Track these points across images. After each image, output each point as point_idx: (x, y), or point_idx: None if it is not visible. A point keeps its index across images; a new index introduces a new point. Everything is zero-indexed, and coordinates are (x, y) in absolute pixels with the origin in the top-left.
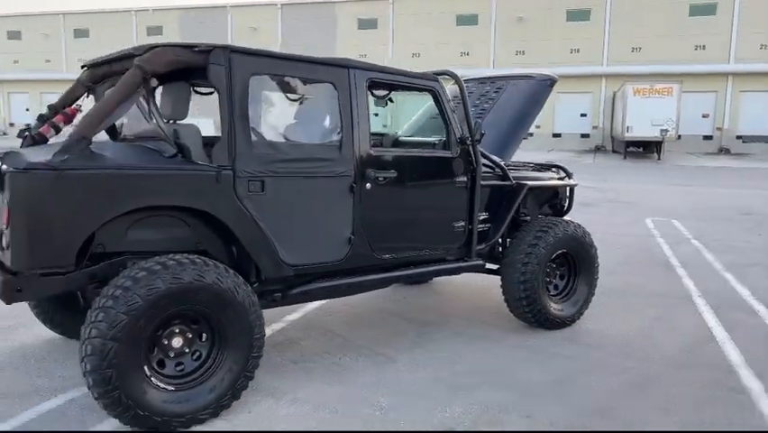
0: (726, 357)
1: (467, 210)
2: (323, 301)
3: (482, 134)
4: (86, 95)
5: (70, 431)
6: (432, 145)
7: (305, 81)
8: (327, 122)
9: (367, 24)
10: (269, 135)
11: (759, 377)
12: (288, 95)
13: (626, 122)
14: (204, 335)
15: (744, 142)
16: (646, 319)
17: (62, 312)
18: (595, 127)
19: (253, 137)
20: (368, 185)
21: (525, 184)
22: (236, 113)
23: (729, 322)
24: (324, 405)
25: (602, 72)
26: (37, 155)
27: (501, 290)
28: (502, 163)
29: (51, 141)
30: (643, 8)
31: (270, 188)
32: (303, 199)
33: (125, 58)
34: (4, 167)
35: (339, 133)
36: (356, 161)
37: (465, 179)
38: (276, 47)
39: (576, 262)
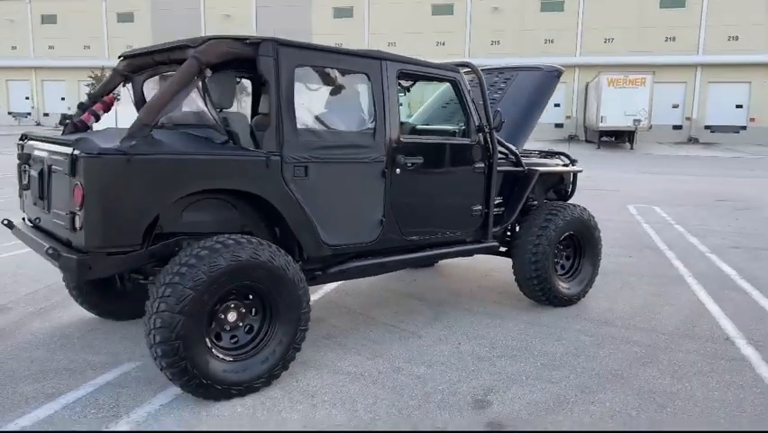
0: (722, 330)
1: (484, 194)
2: (338, 283)
3: (502, 122)
4: (122, 84)
5: (86, 431)
6: (451, 133)
7: (342, 72)
8: (362, 110)
9: (342, 13)
10: (312, 123)
11: (754, 347)
12: (328, 85)
13: (601, 112)
14: (255, 309)
15: (711, 131)
16: (645, 297)
17: (99, 294)
18: (568, 117)
19: (298, 125)
20: (397, 170)
21: (537, 170)
22: (283, 102)
23: (720, 299)
24: (363, 374)
25: (575, 63)
26: (104, 141)
27: (512, 270)
28: (516, 150)
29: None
30: (610, 1)
31: (313, 172)
32: (341, 183)
33: (175, 49)
34: (76, 152)
35: (373, 121)
36: (387, 148)
37: (483, 165)
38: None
39: (582, 244)
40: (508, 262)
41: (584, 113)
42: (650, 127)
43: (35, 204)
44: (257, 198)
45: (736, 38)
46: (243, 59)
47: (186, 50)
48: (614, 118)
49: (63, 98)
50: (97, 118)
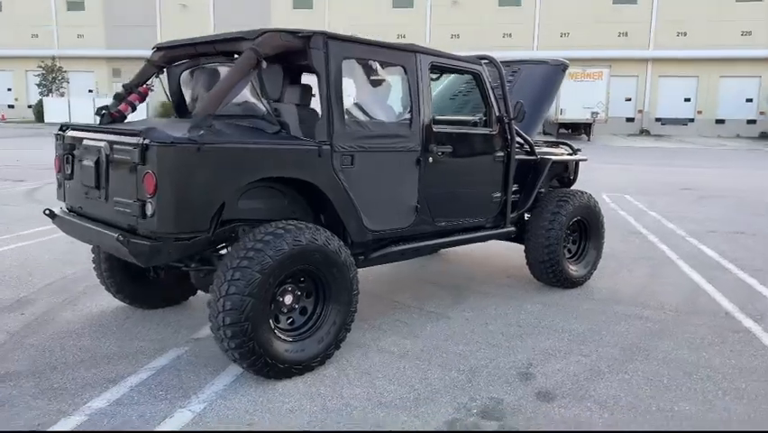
0: (720, 306)
1: (503, 182)
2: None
3: (524, 113)
4: (155, 75)
5: (135, 431)
6: (473, 123)
7: (382, 64)
8: (400, 101)
9: (302, 4)
10: (357, 114)
11: (753, 320)
12: (369, 77)
13: (560, 104)
14: (308, 292)
15: (662, 124)
16: (643, 278)
17: (133, 282)
18: None
19: (345, 116)
20: (430, 159)
21: (550, 159)
22: (333, 93)
23: (711, 278)
24: (407, 353)
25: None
26: (172, 130)
27: (525, 254)
28: (530, 140)
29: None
30: None
31: (358, 161)
32: (381, 172)
33: (227, 41)
34: (147, 141)
35: (409, 111)
36: (422, 137)
37: (502, 153)
38: (209, 26)
39: (588, 229)
40: (504, 247)
41: None
42: (607, 120)
43: (86, 193)
44: (306, 186)
45: (685, 33)
46: (294, 52)
47: (240, 42)
48: (573, 111)
49: (9, 89)
50: (134, 108)
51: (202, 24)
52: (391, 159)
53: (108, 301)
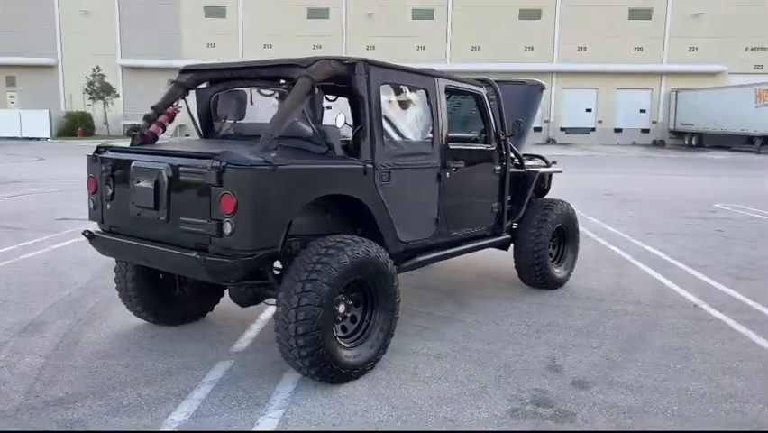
0: (686, 298)
1: (500, 193)
2: None
3: (522, 131)
4: (182, 96)
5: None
6: (473, 140)
7: (410, 88)
8: (423, 122)
9: (214, 12)
10: (392, 134)
11: (718, 310)
12: (400, 99)
13: None
14: (356, 301)
15: (566, 133)
16: (611, 276)
17: (157, 301)
18: None
19: (384, 136)
20: (447, 174)
21: (537, 171)
22: (374, 116)
23: (667, 274)
24: (441, 354)
25: (448, 69)
26: (243, 152)
27: (515, 259)
28: (520, 154)
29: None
30: (479, 10)
31: (393, 178)
32: (410, 187)
33: (275, 66)
34: (224, 164)
35: (431, 131)
36: (441, 154)
37: (500, 167)
38: (113, 36)
39: (566, 234)
40: (479, 255)
41: None
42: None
43: (138, 214)
44: (349, 202)
45: (585, 48)
46: (339, 78)
47: (292, 69)
48: None
49: None
50: (164, 129)
51: (105, 31)
52: (418, 175)
53: (122, 320)
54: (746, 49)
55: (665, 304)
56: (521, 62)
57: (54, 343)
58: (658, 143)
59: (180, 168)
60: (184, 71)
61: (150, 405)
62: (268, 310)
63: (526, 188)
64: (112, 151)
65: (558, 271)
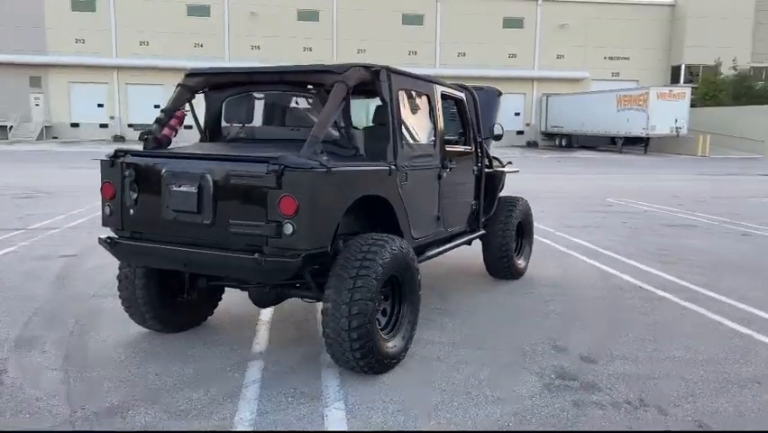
0: (628, 282)
1: (476, 191)
2: None
3: (501, 135)
4: (188, 100)
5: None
6: (455, 142)
7: (417, 94)
8: (428, 125)
9: (82, 6)
10: (407, 137)
11: (663, 290)
12: (411, 104)
13: None
14: (385, 295)
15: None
16: (558, 267)
17: (165, 308)
18: None
19: (402, 139)
20: (444, 174)
21: (504, 171)
22: (396, 120)
23: (603, 263)
24: (454, 342)
25: None
26: (294, 156)
27: (483, 253)
28: (490, 155)
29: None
30: (365, 13)
31: (409, 178)
32: (420, 187)
33: (307, 72)
34: (281, 167)
35: (434, 133)
36: (440, 156)
37: (477, 167)
38: None
39: (524, 228)
40: None
41: None
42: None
43: (174, 218)
44: (375, 202)
45: (464, 54)
46: (365, 83)
47: (324, 75)
48: None
49: None
50: (176, 132)
51: None
52: (425, 175)
53: (118, 330)
54: (605, 57)
55: (617, 287)
56: (406, 65)
57: (60, 356)
58: (532, 144)
59: (231, 172)
60: (191, 74)
61: (207, 407)
62: (264, 312)
63: (496, 187)
64: (133, 155)
65: (520, 263)
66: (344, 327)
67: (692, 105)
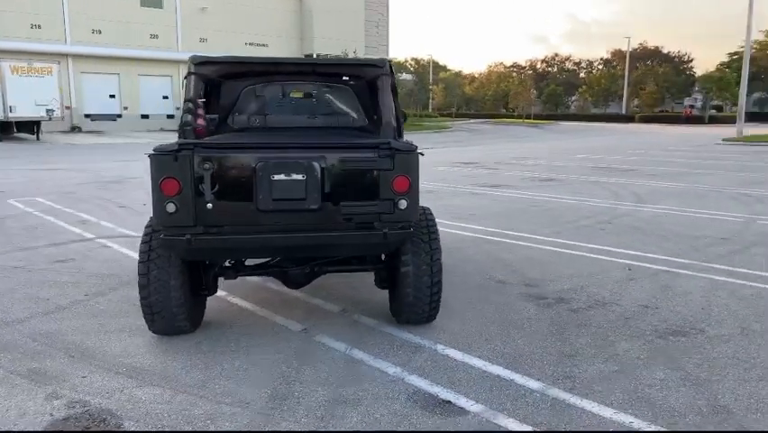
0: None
1: None
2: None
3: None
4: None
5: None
6: None
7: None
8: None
9: None
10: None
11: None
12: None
13: (9, 101)
14: None
15: (93, 120)
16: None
17: (193, 306)
18: None
19: (400, 126)
20: None
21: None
22: (398, 108)
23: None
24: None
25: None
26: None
27: None
28: None
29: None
30: None
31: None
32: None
33: (347, 65)
34: (394, 151)
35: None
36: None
37: None
38: None
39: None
40: None
41: None
42: (63, 117)
43: (272, 208)
44: None
45: (100, 32)
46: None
47: (364, 68)
48: (25, 108)
49: None
50: (205, 122)
51: None
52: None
53: (130, 337)
54: (246, 44)
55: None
56: (30, 42)
57: (111, 371)
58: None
59: (344, 158)
60: (204, 62)
61: (353, 396)
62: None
63: None
64: (206, 148)
65: None
66: (427, 283)
67: None
